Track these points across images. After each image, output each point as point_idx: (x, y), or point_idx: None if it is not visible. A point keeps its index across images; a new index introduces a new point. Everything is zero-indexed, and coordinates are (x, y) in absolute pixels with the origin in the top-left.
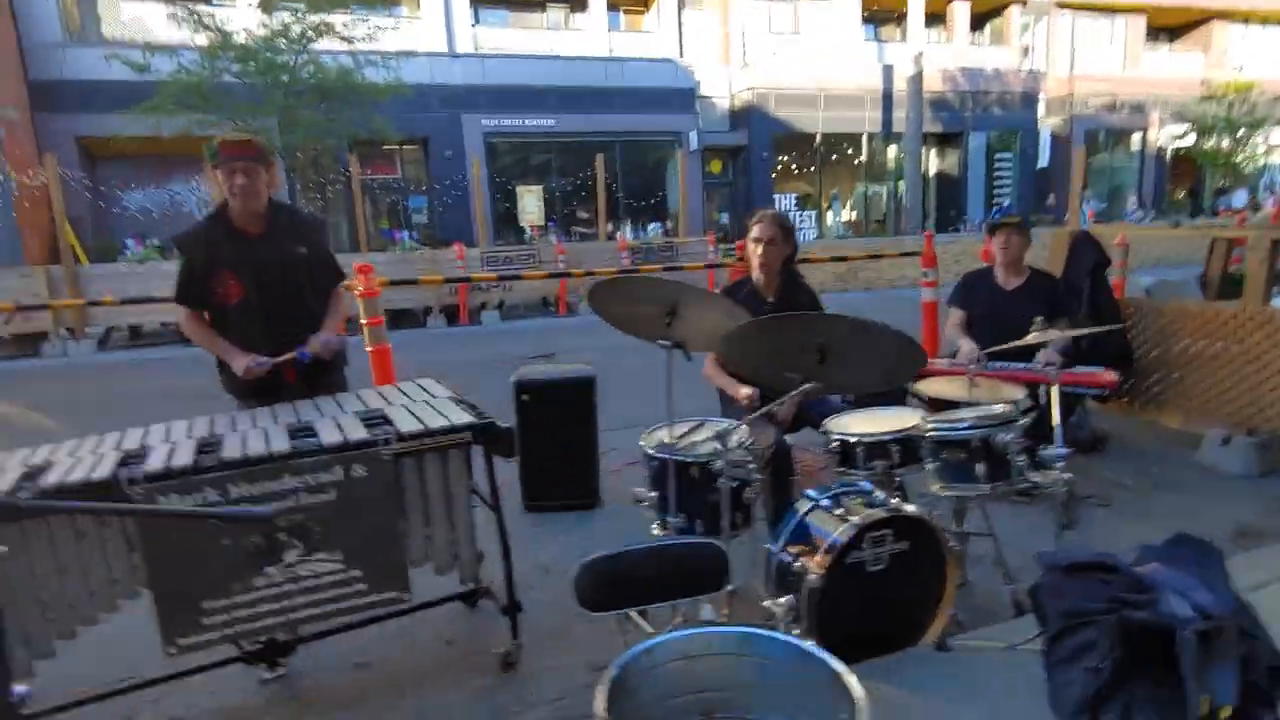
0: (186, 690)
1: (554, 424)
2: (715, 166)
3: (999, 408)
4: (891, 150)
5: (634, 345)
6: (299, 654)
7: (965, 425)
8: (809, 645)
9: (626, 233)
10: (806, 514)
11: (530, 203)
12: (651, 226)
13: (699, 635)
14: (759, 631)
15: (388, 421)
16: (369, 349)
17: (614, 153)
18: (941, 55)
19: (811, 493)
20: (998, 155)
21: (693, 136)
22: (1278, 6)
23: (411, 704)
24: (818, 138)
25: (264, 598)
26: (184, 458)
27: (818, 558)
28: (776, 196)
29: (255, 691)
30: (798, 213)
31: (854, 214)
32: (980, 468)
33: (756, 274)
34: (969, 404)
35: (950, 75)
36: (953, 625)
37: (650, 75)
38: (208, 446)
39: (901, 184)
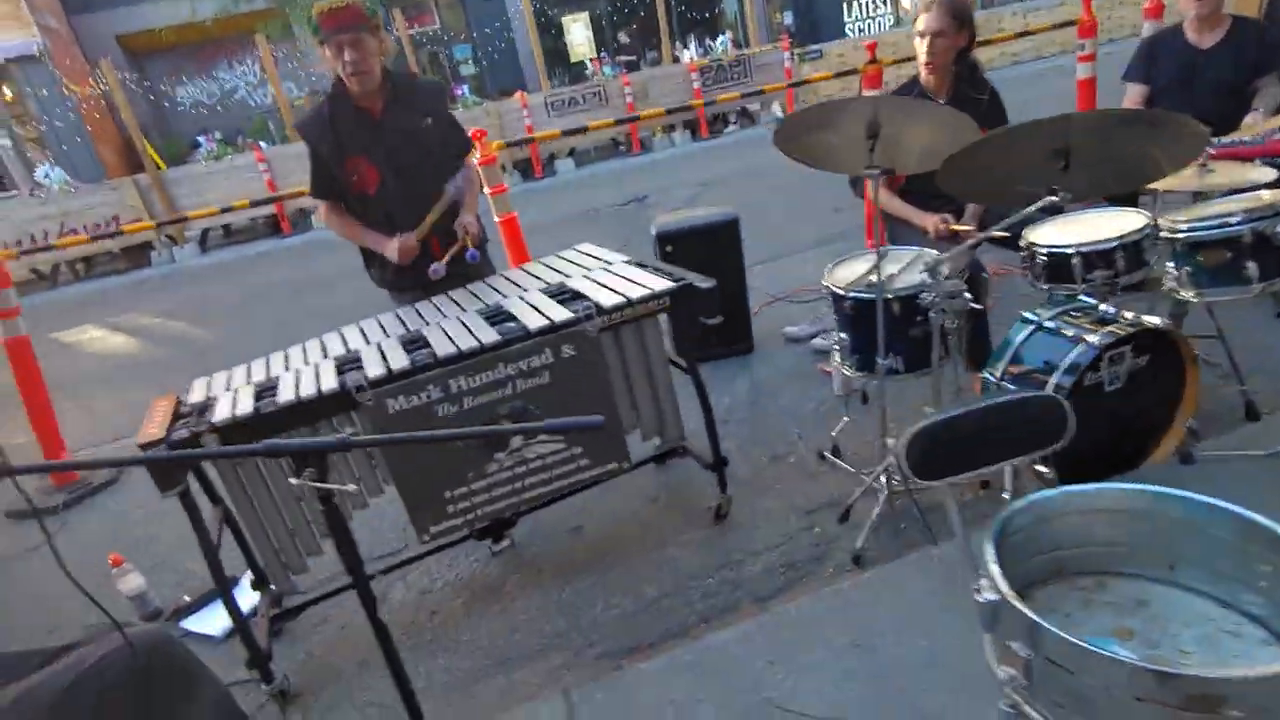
0: (426, 567)
1: (702, 271)
2: None
3: (1266, 195)
4: None
5: (717, 178)
6: (517, 525)
7: (1238, 220)
8: (1217, 501)
9: (692, 52)
10: (1029, 337)
11: (578, 33)
12: (719, 40)
13: (1107, 491)
14: (1170, 491)
15: (581, 296)
16: (497, 219)
17: None
18: None
19: (1031, 314)
20: None
21: None
22: None
23: (641, 559)
24: None
25: (497, 482)
26: (401, 360)
27: (1054, 381)
28: None
29: (487, 561)
30: (873, 3)
31: None
32: (1251, 267)
33: (924, 74)
34: (1204, 194)
35: None
36: (1189, 436)
37: None
38: (416, 345)
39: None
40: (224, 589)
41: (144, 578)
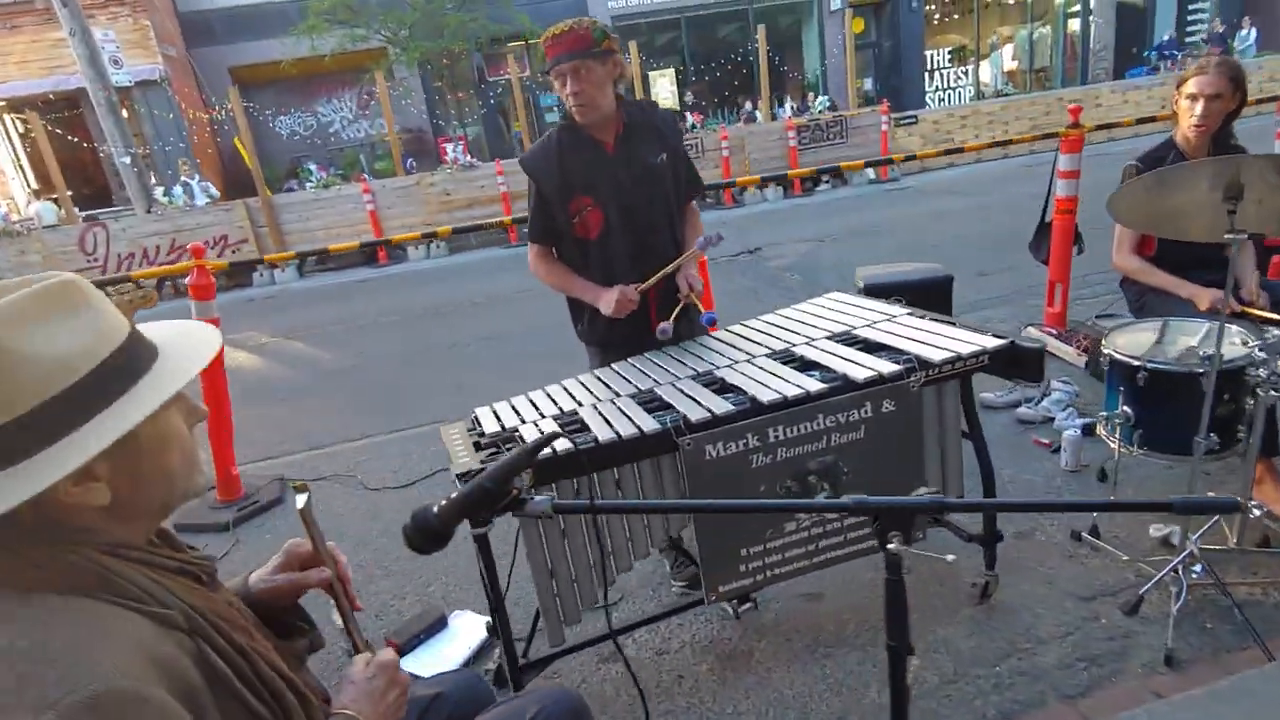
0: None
1: None
2: (858, 26)
3: None
4: None
5: (827, 234)
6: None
7: None
8: None
9: (786, 109)
10: None
11: (664, 86)
12: (819, 101)
13: None
14: None
15: (888, 348)
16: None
17: (747, 22)
18: None
19: None
20: None
21: None
22: None
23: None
24: None
25: (792, 543)
26: (721, 405)
27: None
28: (928, 53)
29: (722, 623)
30: (951, 70)
31: (1016, 63)
32: None
33: (1189, 136)
34: None
35: None
36: None
37: None
38: (726, 390)
39: (1072, 24)
40: (506, 635)
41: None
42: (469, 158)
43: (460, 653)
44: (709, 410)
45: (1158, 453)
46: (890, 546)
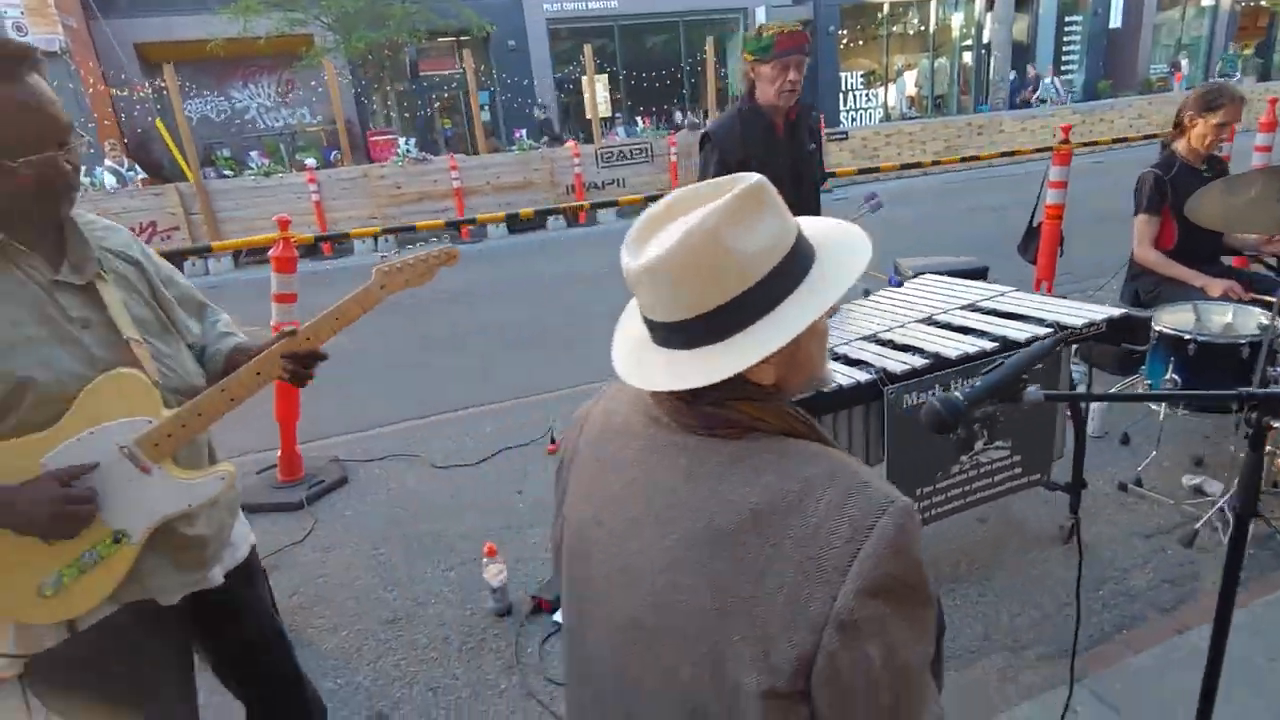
0: None
1: None
2: None
3: None
4: (957, 18)
5: None
6: None
7: None
8: None
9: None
10: None
11: (598, 92)
12: None
13: None
14: None
15: (1022, 317)
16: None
17: (678, 33)
18: None
19: None
20: (1067, 17)
21: (760, 13)
22: None
23: (1013, 575)
24: (885, 7)
25: (954, 483)
26: (916, 361)
27: None
28: (842, 74)
29: None
30: (863, 92)
31: (917, 89)
32: None
33: (1199, 150)
34: None
35: None
36: None
37: None
38: (906, 351)
39: (966, 56)
40: None
41: (506, 571)
42: (420, 151)
43: None
44: (907, 364)
45: (1201, 413)
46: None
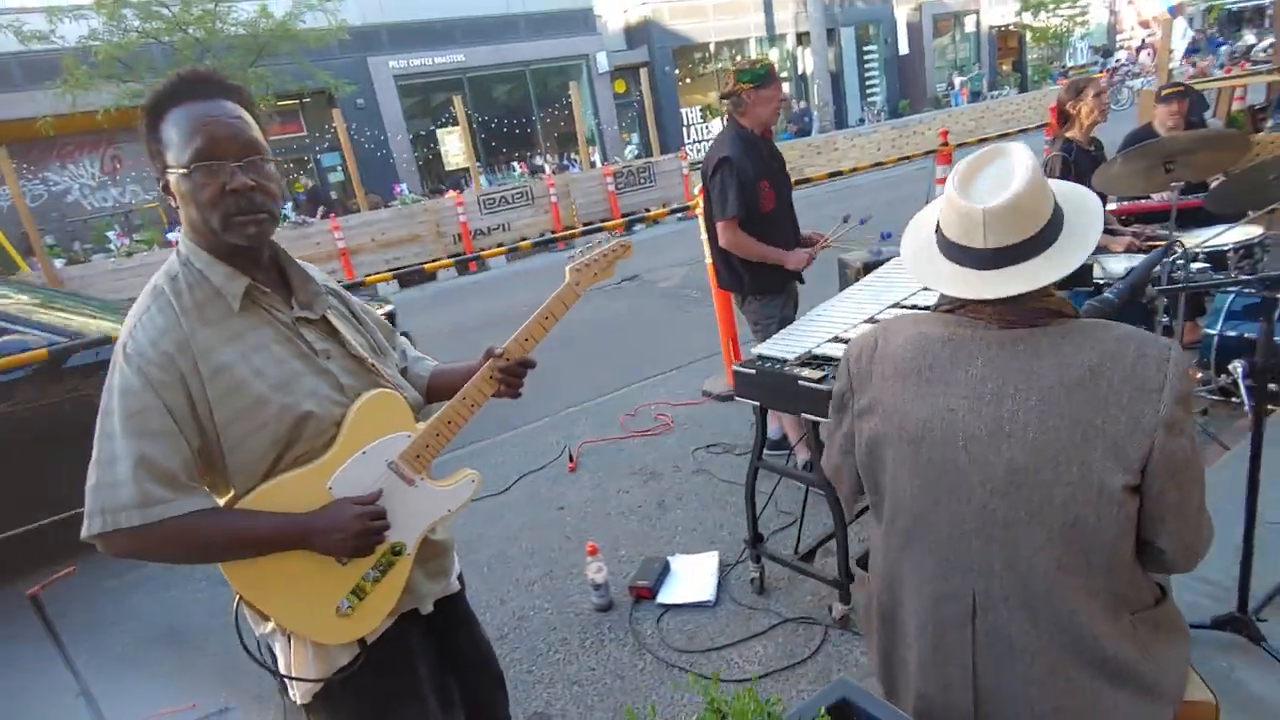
0: None
1: None
2: (620, 86)
3: None
4: (774, 53)
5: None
6: None
7: None
8: None
9: (547, 164)
10: None
11: (453, 144)
12: (628, 149)
13: None
14: None
15: None
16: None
17: (524, 81)
18: None
19: None
20: (864, 47)
21: (601, 58)
22: None
23: None
24: (711, 46)
25: None
26: None
27: None
28: (683, 110)
29: None
30: (703, 125)
31: None
32: None
33: (1088, 131)
34: None
35: None
36: None
37: None
38: None
39: (786, 86)
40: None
41: (605, 568)
42: (299, 216)
43: (708, 580)
44: None
45: None
46: None
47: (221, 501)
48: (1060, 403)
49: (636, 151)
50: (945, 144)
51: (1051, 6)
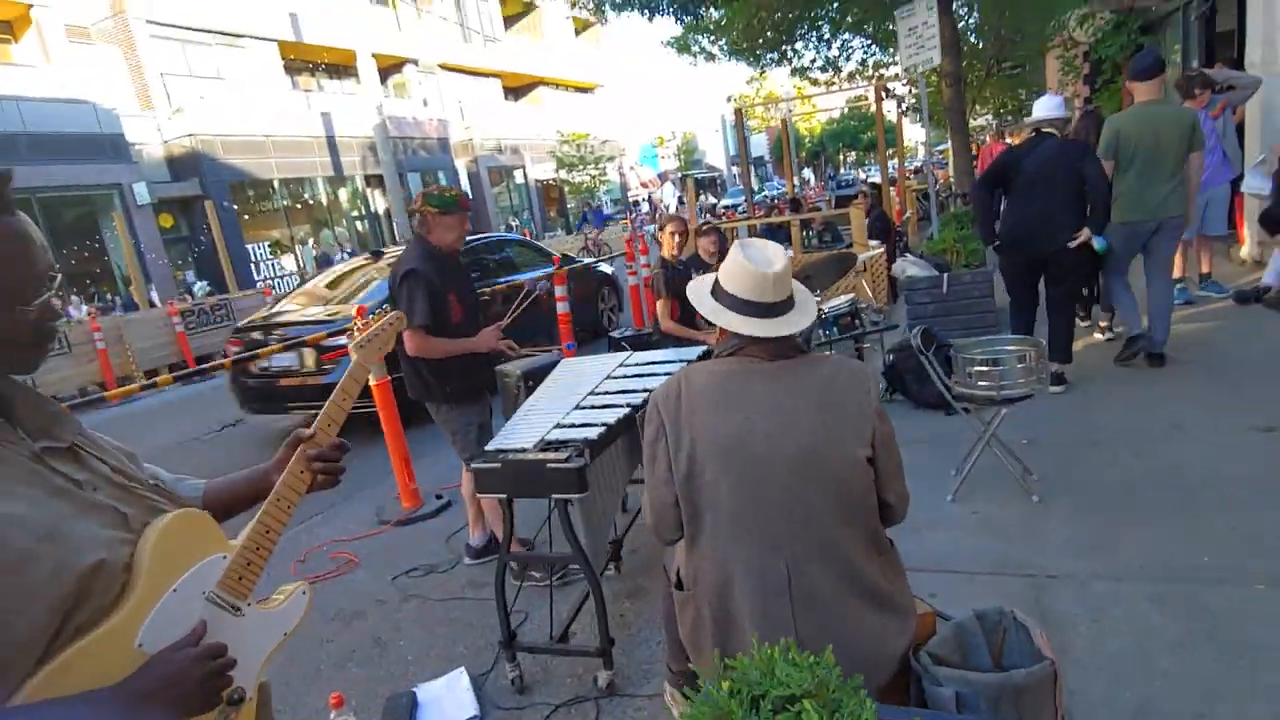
0: None
1: None
2: (166, 221)
3: None
4: (343, 192)
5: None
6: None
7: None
8: None
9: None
10: None
11: None
12: (197, 286)
13: None
14: None
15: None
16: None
17: (31, 212)
18: (362, 104)
19: None
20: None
21: (140, 189)
22: (575, 77)
23: None
24: (275, 183)
25: None
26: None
27: None
28: (250, 246)
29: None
30: (274, 260)
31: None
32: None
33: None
34: None
35: (382, 123)
36: None
37: (65, 119)
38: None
39: (359, 224)
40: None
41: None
42: None
43: (464, 697)
44: (605, 423)
45: None
46: None
47: None
48: (820, 403)
49: (208, 289)
50: (560, 266)
51: (580, 168)
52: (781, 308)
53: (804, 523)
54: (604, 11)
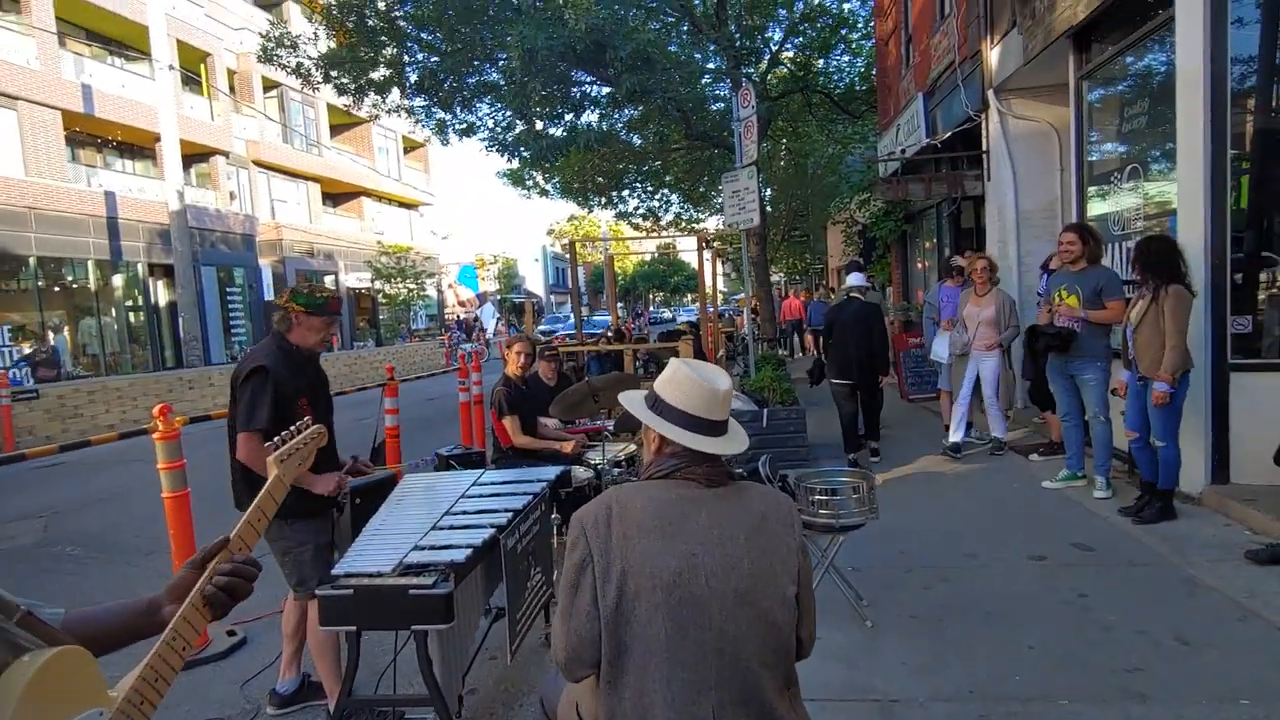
0: None
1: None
2: None
3: None
4: (119, 279)
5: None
6: None
7: None
8: None
9: None
10: None
11: None
12: None
13: None
14: None
15: (516, 481)
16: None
17: None
18: (160, 190)
19: None
20: (228, 289)
21: None
22: (399, 192)
23: None
24: (33, 260)
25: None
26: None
27: None
28: None
29: None
30: (13, 348)
31: (84, 345)
32: None
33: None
34: None
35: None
36: None
37: None
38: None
39: (133, 315)
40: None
41: None
42: None
43: None
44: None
45: None
46: None
47: None
48: (756, 538)
49: None
50: (392, 379)
51: (397, 280)
52: (724, 427)
53: (733, 664)
54: (446, 135)
